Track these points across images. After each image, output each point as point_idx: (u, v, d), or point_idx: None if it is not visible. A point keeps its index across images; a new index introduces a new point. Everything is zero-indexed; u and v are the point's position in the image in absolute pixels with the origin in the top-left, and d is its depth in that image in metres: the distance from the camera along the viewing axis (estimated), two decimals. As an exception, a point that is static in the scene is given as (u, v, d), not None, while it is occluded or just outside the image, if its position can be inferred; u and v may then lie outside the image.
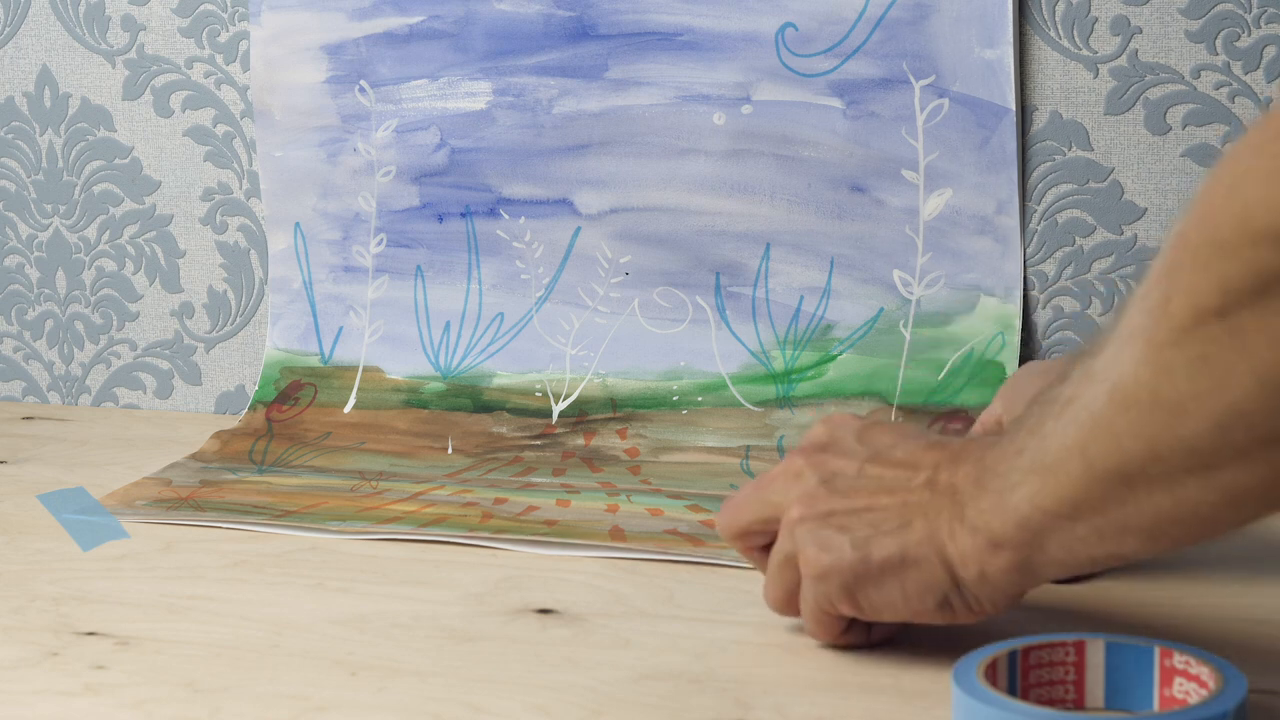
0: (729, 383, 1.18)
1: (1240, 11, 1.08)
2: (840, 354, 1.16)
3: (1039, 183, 1.13)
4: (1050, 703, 0.76)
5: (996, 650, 0.75)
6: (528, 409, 1.20)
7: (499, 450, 1.17)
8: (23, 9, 1.31)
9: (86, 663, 0.83)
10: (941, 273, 1.14)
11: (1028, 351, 1.14)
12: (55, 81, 1.31)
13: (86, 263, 1.32)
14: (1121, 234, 1.12)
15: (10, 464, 1.18)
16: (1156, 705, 0.76)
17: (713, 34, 1.16)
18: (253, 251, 1.29)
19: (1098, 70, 1.11)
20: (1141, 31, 1.10)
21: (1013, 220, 1.13)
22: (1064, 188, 1.13)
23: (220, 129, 1.28)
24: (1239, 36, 1.08)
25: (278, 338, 1.27)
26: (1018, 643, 0.76)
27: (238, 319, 1.30)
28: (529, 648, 0.84)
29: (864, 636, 0.82)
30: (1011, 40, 1.11)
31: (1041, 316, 1.14)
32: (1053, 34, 1.11)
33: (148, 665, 0.83)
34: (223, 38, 1.27)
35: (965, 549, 0.75)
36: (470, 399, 1.22)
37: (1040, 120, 1.12)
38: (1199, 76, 1.09)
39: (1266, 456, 0.66)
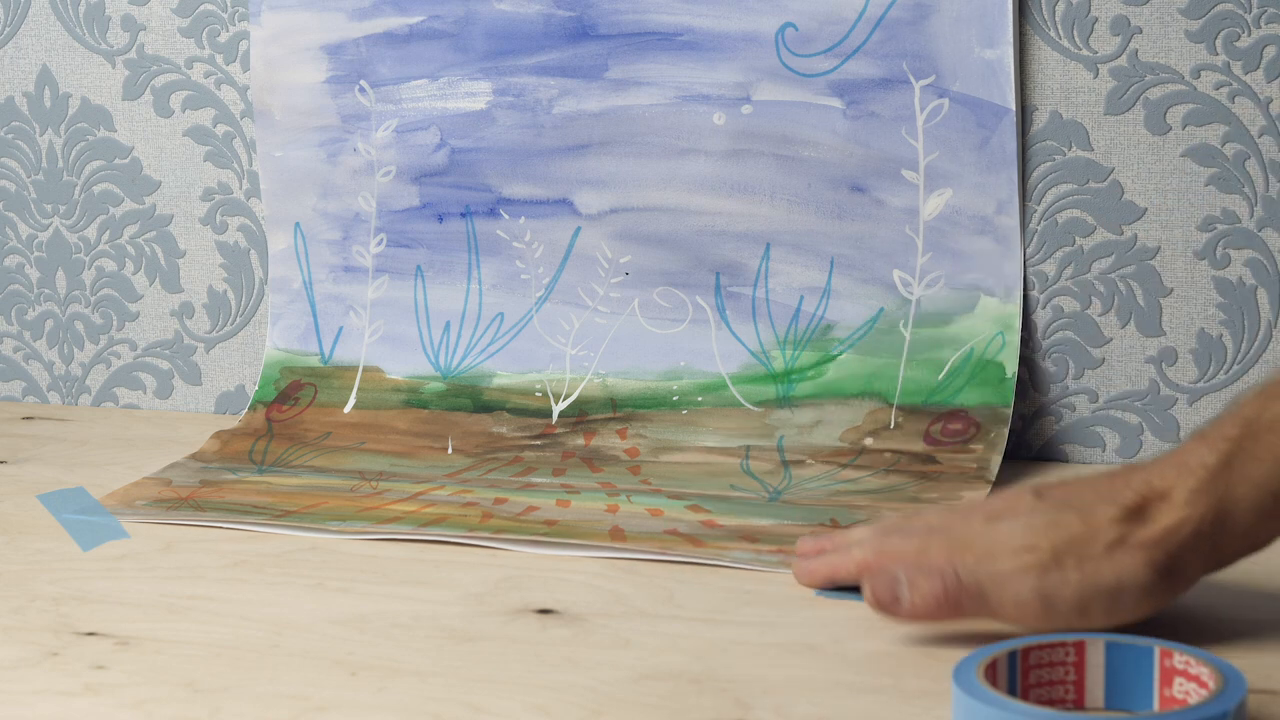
0: (729, 383, 1.18)
1: (1240, 11, 1.08)
2: (840, 354, 1.16)
3: (1039, 183, 1.13)
4: (1050, 703, 0.76)
5: (996, 650, 0.75)
6: (528, 409, 1.20)
7: (499, 450, 1.17)
8: (23, 9, 1.31)
9: (86, 663, 0.83)
10: (941, 273, 1.14)
11: (1028, 351, 1.14)
12: (55, 81, 1.31)
13: (86, 263, 1.32)
14: (1121, 234, 1.12)
15: (10, 464, 1.18)
16: (1156, 705, 0.76)
17: (713, 34, 1.16)
18: (253, 251, 1.29)
19: (1098, 70, 1.11)
20: (1141, 31, 1.10)
21: (1013, 220, 1.13)
22: (1064, 188, 1.13)
23: (220, 129, 1.28)
24: (1239, 36, 1.08)
25: (278, 338, 1.27)
26: (1018, 643, 0.76)
27: (238, 319, 1.30)
28: (529, 648, 0.84)
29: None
30: (1011, 40, 1.11)
31: (1041, 316, 1.14)
32: (1053, 34, 1.11)
33: (148, 665, 0.83)
34: (223, 38, 1.27)
35: None
36: (470, 399, 1.22)
37: (1040, 120, 1.12)
38: (1199, 76, 1.09)
39: None
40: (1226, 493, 0.80)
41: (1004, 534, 0.83)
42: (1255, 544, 0.81)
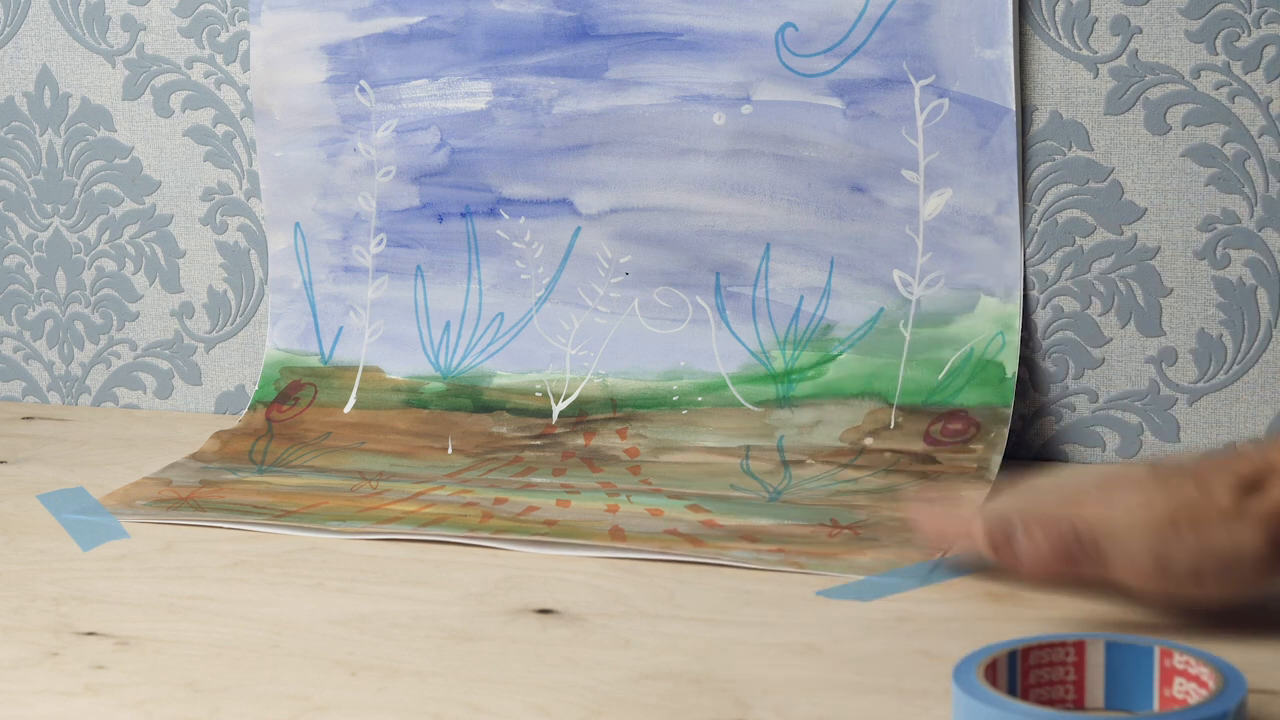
0: (729, 383, 1.18)
1: (1240, 11, 1.08)
2: (840, 354, 1.16)
3: (1039, 183, 1.13)
4: (1050, 703, 0.76)
5: (996, 650, 0.75)
6: (528, 409, 1.20)
7: (499, 450, 1.17)
8: (23, 9, 1.31)
9: (86, 663, 0.83)
10: (941, 273, 1.14)
11: (1028, 351, 1.14)
12: (55, 81, 1.31)
13: (86, 263, 1.32)
14: (1121, 234, 1.12)
15: (10, 464, 1.18)
16: (1156, 705, 0.76)
17: (713, 34, 1.16)
18: (253, 251, 1.29)
19: (1098, 70, 1.11)
20: (1141, 31, 1.10)
21: (1013, 220, 1.13)
22: (1064, 188, 1.13)
23: (220, 129, 1.28)
24: (1239, 36, 1.08)
25: (278, 338, 1.27)
26: (1018, 643, 0.76)
27: (238, 319, 1.30)
28: (529, 648, 0.84)
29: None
30: (1011, 40, 1.11)
31: (1041, 316, 1.14)
32: (1053, 34, 1.11)
33: (148, 665, 0.83)
34: (223, 38, 1.27)
35: None
36: (470, 399, 1.22)
37: (1040, 120, 1.12)
38: (1199, 76, 1.09)
39: None
40: None
41: (1120, 498, 0.83)
42: None
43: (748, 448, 1.14)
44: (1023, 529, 0.83)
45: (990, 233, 1.13)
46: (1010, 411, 1.12)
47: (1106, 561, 0.82)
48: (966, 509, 0.88)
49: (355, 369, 1.25)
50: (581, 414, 1.19)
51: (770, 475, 1.11)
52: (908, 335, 1.15)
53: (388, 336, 1.25)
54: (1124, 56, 1.10)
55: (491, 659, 0.83)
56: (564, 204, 1.21)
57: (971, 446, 1.11)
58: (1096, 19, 1.11)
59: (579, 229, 1.21)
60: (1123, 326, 1.13)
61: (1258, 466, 0.82)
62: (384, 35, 1.22)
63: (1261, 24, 1.08)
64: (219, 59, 1.27)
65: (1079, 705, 0.77)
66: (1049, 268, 1.13)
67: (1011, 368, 1.13)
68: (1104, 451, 1.14)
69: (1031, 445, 1.15)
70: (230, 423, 1.27)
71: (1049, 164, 1.13)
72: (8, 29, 1.32)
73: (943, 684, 0.78)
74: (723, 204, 1.18)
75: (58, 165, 1.32)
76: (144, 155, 1.30)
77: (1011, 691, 0.75)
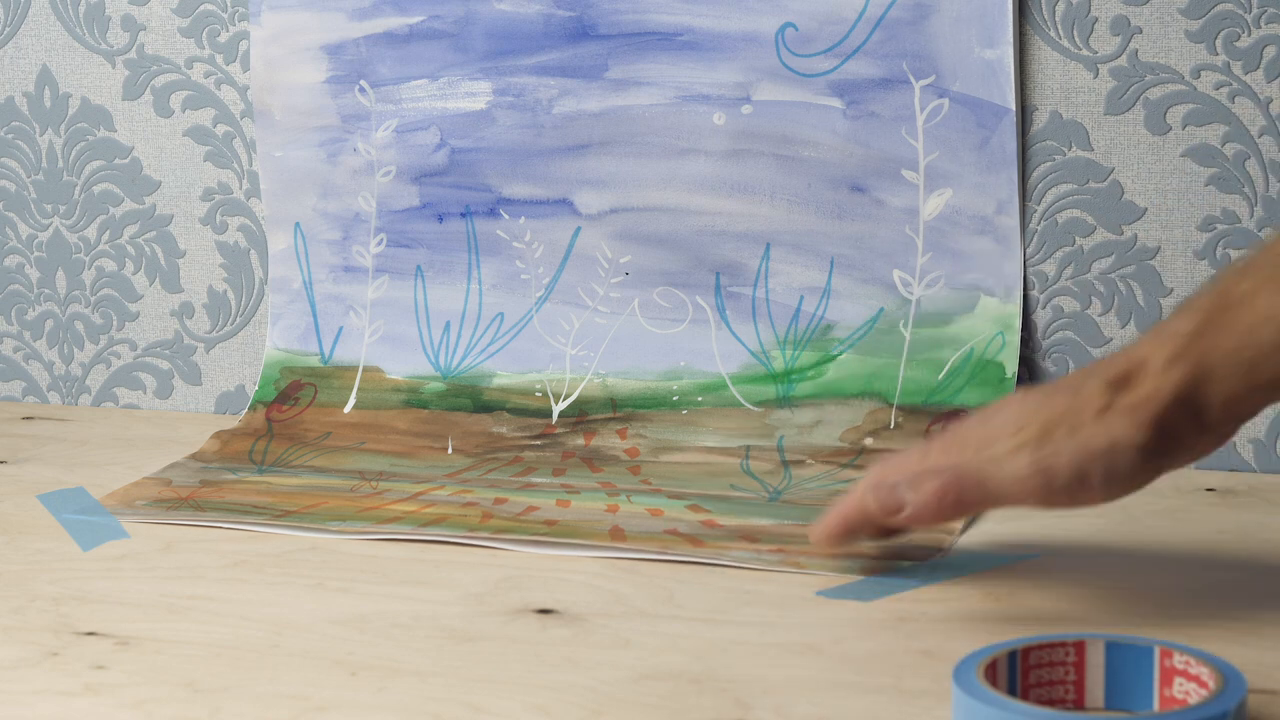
0: (729, 383, 1.18)
1: (1240, 11, 1.08)
2: (840, 354, 1.16)
3: (1039, 183, 1.13)
4: (1050, 703, 0.76)
5: (996, 650, 0.75)
6: (528, 409, 1.20)
7: (499, 450, 1.17)
8: (23, 9, 1.31)
9: (86, 663, 0.83)
10: (941, 273, 1.14)
11: (1028, 351, 1.14)
12: (55, 81, 1.31)
13: (86, 263, 1.33)
14: (1121, 234, 1.12)
15: (10, 464, 1.18)
16: (1156, 705, 0.76)
17: (713, 34, 1.16)
18: (253, 251, 1.29)
19: (1098, 70, 1.11)
20: (1141, 31, 1.10)
21: (1013, 220, 1.13)
22: (1064, 188, 1.13)
23: (220, 129, 1.28)
24: (1239, 36, 1.08)
25: (278, 338, 1.27)
26: (1018, 643, 0.76)
27: (238, 319, 1.30)
28: (529, 648, 0.84)
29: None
30: (1011, 40, 1.11)
31: (1041, 316, 1.14)
32: (1053, 34, 1.11)
33: (148, 665, 0.83)
34: (223, 38, 1.27)
35: None
36: (470, 399, 1.22)
37: (1040, 120, 1.12)
38: (1199, 76, 1.09)
39: None
40: (1201, 359, 0.81)
41: (997, 423, 0.85)
42: (1239, 414, 0.82)
43: (748, 448, 1.14)
44: (908, 486, 0.85)
45: (990, 233, 1.13)
46: (1010, 411, 1.12)
47: (993, 492, 0.84)
48: (857, 487, 0.89)
49: (355, 369, 1.25)
50: (581, 414, 1.19)
51: (770, 475, 1.11)
52: (908, 335, 1.15)
53: (388, 336, 1.25)
54: (1124, 56, 1.10)
55: (491, 659, 0.83)
56: (564, 204, 1.21)
57: (971, 446, 1.11)
58: (1096, 19, 1.11)
59: (579, 229, 1.21)
60: (1123, 326, 1.13)
61: (1125, 365, 0.83)
62: (384, 35, 1.22)
63: (1261, 24, 1.08)
64: (219, 59, 1.27)
65: (1079, 705, 0.77)
66: (1049, 268, 1.13)
67: (1011, 368, 1.13)
68: (1104, 451, 1.13)
69: (1031, 445, 1.15)
70: (230, 423, 1.27)
71: (1049, 164, 1.13)
72: (8, 29, 1.32)
73: (943, 684, 0.78)
74: (723, 204, 1.18)
75: (58, 165, 1.32)
76: (144, 155, 1.30)
77: (1011, 691, 0.75)
